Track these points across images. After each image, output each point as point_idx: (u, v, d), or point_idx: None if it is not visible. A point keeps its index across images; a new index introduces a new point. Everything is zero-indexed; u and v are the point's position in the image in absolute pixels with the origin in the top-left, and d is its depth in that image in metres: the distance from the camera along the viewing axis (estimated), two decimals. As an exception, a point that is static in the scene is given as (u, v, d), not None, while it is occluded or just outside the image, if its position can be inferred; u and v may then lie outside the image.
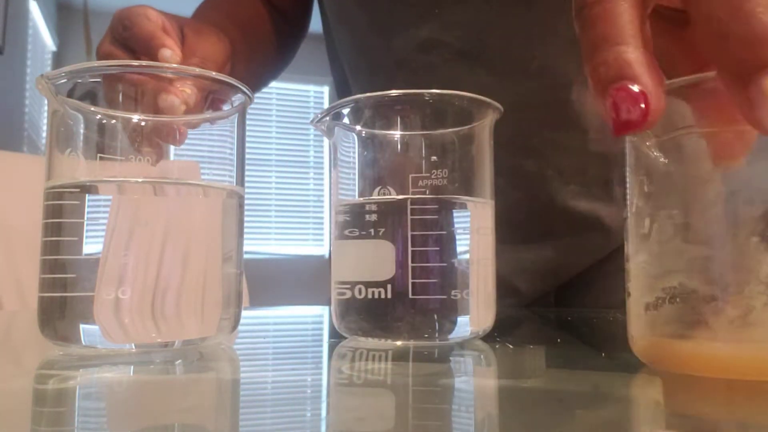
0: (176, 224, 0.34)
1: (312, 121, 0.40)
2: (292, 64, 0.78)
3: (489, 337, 0.38)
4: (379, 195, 0.37)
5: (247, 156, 0.40)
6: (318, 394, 0.27)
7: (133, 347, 0.32)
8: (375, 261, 0.36)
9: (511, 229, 0.56)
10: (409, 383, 0.28)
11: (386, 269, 0.35)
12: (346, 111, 0.39)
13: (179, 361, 0.32)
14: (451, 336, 0.36)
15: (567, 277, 0.63)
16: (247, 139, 0.39)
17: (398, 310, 0.35)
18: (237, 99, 0.38)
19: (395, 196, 0.37)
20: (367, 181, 0.38)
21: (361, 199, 0.38)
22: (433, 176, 0.37)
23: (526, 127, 0.57)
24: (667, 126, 0.27)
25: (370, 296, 0.35)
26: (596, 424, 0.22)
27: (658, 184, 0.28)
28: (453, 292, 0.35)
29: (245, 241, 0.38)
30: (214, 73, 0.36)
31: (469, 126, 0.38)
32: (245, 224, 0.38)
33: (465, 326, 0.36)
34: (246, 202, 0.39)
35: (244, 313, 0.38)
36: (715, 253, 0.26)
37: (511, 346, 0.37)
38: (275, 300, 0.93)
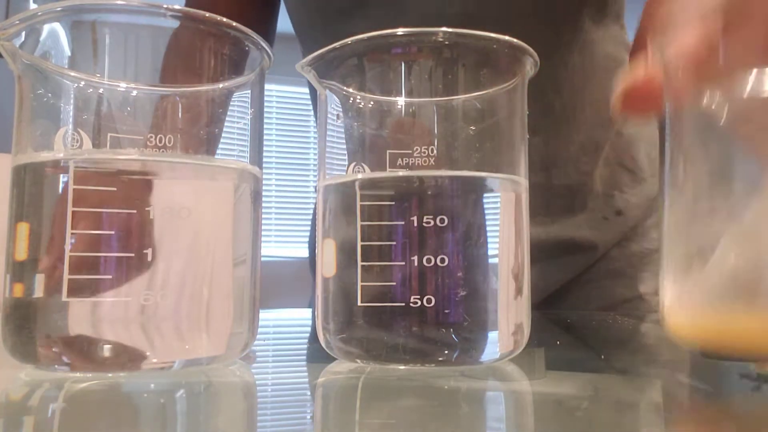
0: (175, 212, 0.27)
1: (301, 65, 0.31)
2: (292, 66, 0.77)
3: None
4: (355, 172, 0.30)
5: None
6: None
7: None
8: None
9: None
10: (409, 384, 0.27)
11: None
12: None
13: (181, 392, 0.25)
14: (482, 358, 0.29)
15: (547, 294, 0.67)
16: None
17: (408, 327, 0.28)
18: (256, 59, 0.30)
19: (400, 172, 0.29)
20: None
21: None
22: (437, 146, 0.29)
23: None
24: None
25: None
26: (596, 427, 0.22)
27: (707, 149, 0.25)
28: (479, 304, 0.29)
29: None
30: (233, 24, 0.28)
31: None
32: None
33: (493, 346, 0.29)
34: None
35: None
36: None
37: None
38: (278, 304, 0.94)
